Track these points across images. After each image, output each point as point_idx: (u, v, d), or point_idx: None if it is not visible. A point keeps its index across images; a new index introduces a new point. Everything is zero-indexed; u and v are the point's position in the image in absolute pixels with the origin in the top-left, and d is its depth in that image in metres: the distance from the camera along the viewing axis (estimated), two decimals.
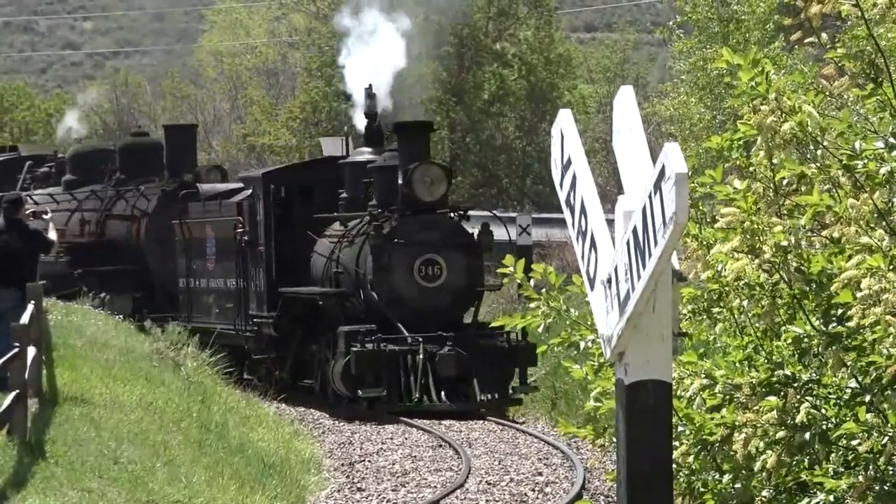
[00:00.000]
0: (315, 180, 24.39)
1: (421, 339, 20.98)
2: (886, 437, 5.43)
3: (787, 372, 5.95)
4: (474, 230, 22.59)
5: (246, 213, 24.15)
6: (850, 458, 5.64)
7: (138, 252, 28.01)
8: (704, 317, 6.64)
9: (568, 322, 6.82)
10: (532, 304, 6.84)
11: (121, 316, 24.76)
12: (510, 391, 21.46)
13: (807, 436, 5.75)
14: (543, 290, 6.81)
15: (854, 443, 5.52)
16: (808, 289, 6.11)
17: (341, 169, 23.77)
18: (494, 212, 27.46)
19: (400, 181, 22.00)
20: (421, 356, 20.79)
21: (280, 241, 23.51)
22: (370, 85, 25.23)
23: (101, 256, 28.26)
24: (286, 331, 23.40)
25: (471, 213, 23.76)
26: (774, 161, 6.31)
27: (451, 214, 22.65)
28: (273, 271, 23.45)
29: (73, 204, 30.04)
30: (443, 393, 20.79)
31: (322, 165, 25.29)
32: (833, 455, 5.71)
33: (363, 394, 20.91)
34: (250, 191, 24.41)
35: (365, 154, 23.75)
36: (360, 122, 25.46)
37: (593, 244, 5.90)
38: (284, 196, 24.04)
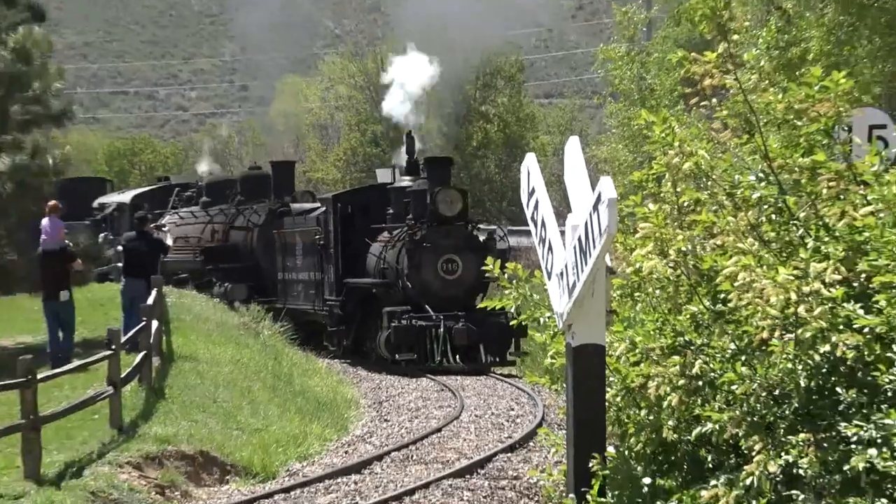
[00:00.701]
0: (371, 200, 23.44)
1: (442, 317, 20.41)
2: (755, 384, 5.44)
3: (686, 338, 5.96)
4: (483, 237, 22.21)
5: (322, 225, 23.67)
6: (730, 398, 5.65)
7: (252, 254, 27.13)
8: (629, 299, 6.66)
9: (532, 303, 6.84)
10: (506, 291, 6.86)
11: (239, 301, 24.52)
12: (508, 356, 21.34)
13: (700, 383, 5.77)
14: (515, 280, 6.83)
15: (733, 388, 5.53)
16: (700, 280, 6.12)
17: (389, 192, 23.20)
18: (480, 224, 26.84)
19: (428, 201, 21.60)
20: (441, 330, 20.28)
21: (345, 245, 22.94)
22: (410, 131, 24.78)
23: (226, 256, 27.44)
24: (349, 311, 22.85)
25: (481, 225, 23.34)
26: (678, 190, 6.33)
27: (470, 226, 22.22)
28: (340, 267, 22.86)
29: (207, 218, 29.14)
30: (457, 357, 20.33)
31: (376, 190, 24.35)
32: (718, 396, 5.72)
33: (399, 357, 20.51)
34: (324, 208, 24.00)
35: (405, 181, 23.05)
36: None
37: (550, 248, 5.91)
38: (350, 212, 23.30)
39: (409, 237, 21.46)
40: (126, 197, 34.41)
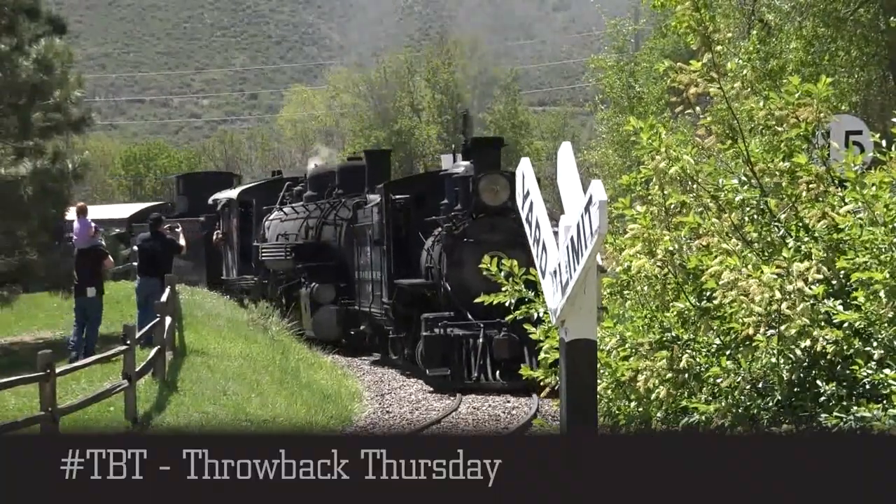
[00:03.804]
0: (426, 190, 19.76)
1: (482, 325, 16.81)
2: (739, 377, 5.42)
3: (674, 334, 5.93)
4: None
5: (376, 217, 20.15)
6: (715, 391, 5.62)
7: (339, 251, 23.45)
8: (618, 297, 6.63)
9: (526, 300, 6.81)
10: (503, 289, 6.84)
11: (327, 302, 22.24)
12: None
13: (687, 376, 5.75)
14: (511, 278, 6.79)
15: (719, 381, 5.51)
16: (687, 278, 6.10)
17: (442, 180, 19.39)
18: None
19: (470, 189, 18.11)
20: (481, 340, 16.80)
21: (398, 239, 19.43)
22: (466, 110, 20.97)
23: (317, 254, 23.80)
24: (401, 314, 19.10)
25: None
26: (665, 193, 6.30)
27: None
28: (391, 265, 19.34)
29: (306, 214, 25.28)
30: (497, 372, 16.73)
31: (431, 177, 20.60)
32: (704, 389, 5.70)
33: (430, 373, 17.11)
34: (378, 199, 20.22)
35: (460, 167, 19.12)
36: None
37: (544, 248, 5.87)
38: (403, 203, 19.74)
39: (445, 231, 18.16)
40: (234, 193, 30.35)
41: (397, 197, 19.68)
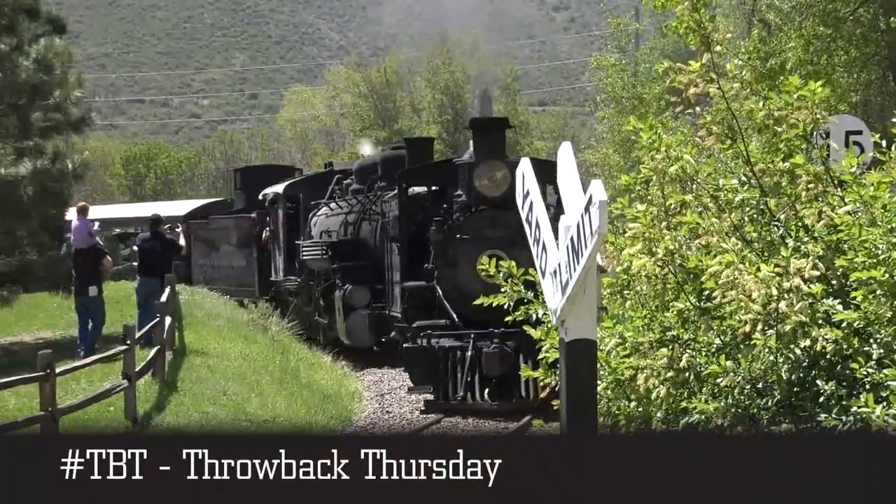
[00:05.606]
0: (446, 180, 17.20)
1: (473, 336, 14.65)
2: (739, 377, 5.42)
3: (674, 333, 5.94)
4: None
5: (393, 210, 17.90)
6: (715, 390, 5.63)
7: (375, 250, 20.69)
8: (618, 296, 6.63)
9: (526, 300, 6.81)
10: (503, 289, 6.84)
11: (360, 306, 19.51)
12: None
13: (687, 375, 5.75)
14: (510, 278, 6.79)
15: (718, 380, 5.51)
16: (686, 278, 6.10)
17: (455, 169, 16.84)
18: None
19: (468, 178, 15.98)
20: (469, 353, 14.60)
21: (413, 236, 17.12)
22: (485, 89, 19.00)
23: (353, 253, 21.23)
24: (411, 319, 16.55)
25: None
26: (665, 192, 6.30)
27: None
28: (404, 264, 17.25)
29: (347, 209, 22.47)
30: (486, 391, 14.51)
31: (451, 166, 17.54)
32: (704, 388, 5.70)
33: (410, 390, 15.42)
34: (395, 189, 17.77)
35: (468, 153, 16.65)
36: None
37: (544, 248, 5.88)
38: (421, 195, 17.66)
39: (435, 227, 16.04)
40: (280, 187, 26.98)
41: (414, 188, 17.61)
